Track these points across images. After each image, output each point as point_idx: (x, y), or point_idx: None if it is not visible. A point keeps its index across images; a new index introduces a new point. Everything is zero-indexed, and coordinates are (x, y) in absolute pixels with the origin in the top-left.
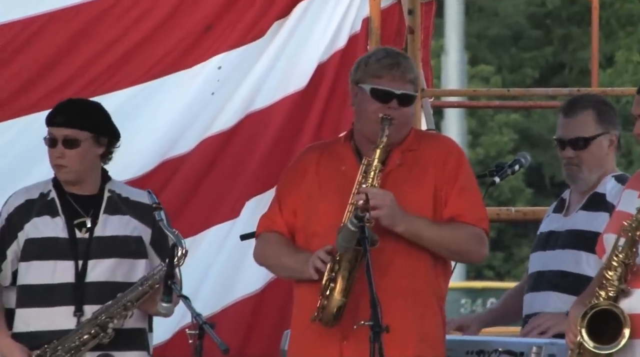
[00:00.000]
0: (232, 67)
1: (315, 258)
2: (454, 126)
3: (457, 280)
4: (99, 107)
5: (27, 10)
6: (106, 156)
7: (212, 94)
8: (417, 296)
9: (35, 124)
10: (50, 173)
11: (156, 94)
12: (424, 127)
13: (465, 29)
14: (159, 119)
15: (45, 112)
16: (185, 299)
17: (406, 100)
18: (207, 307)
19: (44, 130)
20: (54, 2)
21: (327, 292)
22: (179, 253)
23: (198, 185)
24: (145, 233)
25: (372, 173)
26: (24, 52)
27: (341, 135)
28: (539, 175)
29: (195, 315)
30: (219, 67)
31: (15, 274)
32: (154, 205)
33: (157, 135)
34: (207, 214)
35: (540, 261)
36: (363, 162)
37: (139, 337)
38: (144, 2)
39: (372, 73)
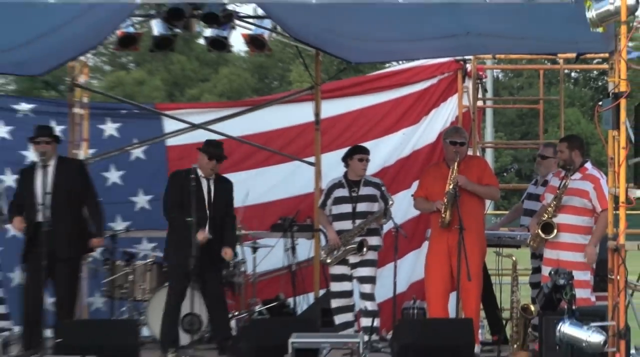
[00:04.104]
0: (409, 134)
1: (437, 204)
2: (489, 157)
3: (491, 210)
4: None
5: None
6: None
7: (400, 143)
8: (476, 215)
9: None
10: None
11: (380, 143)
12: (478, 154)
13: (494, 118)
14: (382, 150)
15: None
16: (392, 218)
17: (463, 145)
18: (399, 220)
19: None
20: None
21: (443, 215)
22: (390, 203)
23: (393, 178)
24: (378, 193)
25: (454, 172)
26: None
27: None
28: (520, 171)
29: (394, 223)
30: (403, 133)
31: (330, 211)
32: (382, 185)
33: (379, 156)
34: (396, 187)
35: (530, 206)
36: (451, 168)
37: (377, 231)
38: (372, 114)
39: (450, 135)
